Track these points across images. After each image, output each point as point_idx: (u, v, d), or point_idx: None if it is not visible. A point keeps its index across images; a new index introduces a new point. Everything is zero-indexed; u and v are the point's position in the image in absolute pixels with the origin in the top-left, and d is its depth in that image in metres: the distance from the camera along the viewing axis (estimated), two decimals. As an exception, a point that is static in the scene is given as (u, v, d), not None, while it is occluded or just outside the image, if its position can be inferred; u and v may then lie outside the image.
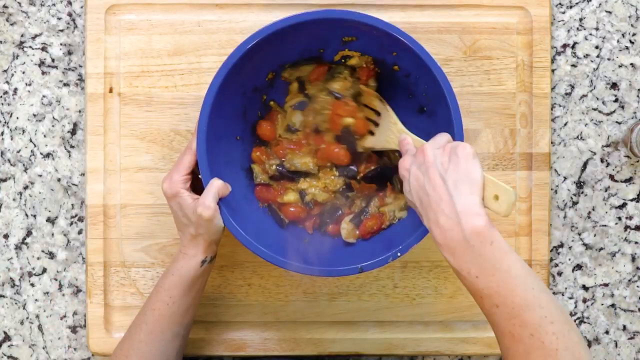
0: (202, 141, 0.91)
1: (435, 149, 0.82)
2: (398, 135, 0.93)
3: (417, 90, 0.97)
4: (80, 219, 1.06)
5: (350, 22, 0.91)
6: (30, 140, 1.06)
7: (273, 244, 0.94)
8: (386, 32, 0.91)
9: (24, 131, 1.05)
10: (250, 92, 0.98)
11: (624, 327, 1.08)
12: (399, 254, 0.91)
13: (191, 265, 0.92)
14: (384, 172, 1.00)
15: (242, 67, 0.92)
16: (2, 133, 1.05)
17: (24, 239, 1.06)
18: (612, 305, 1.07)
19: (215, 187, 0.90)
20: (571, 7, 1.07)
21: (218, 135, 0.93)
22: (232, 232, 0.91)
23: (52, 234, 1.06)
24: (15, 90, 1.05)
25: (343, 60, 0.99)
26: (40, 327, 1.06)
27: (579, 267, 1.07)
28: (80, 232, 1.06)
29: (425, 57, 0.91)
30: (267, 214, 1.01)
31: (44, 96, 1.05)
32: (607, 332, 1.08)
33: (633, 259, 1.08)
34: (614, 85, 1.07)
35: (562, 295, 1.07)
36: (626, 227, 1.08)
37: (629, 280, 1.07)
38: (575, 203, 1.07)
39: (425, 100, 0.97)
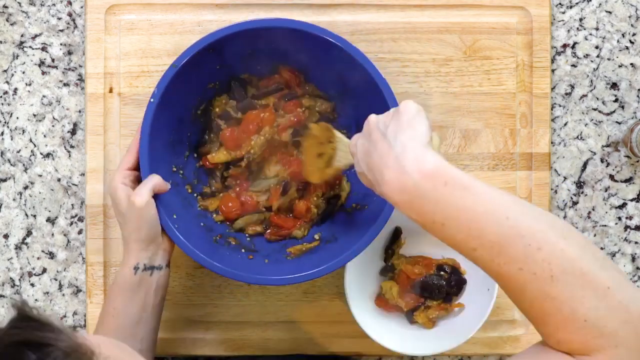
0: (144, 143, 0.91)
1: (379, 116, 0.76)
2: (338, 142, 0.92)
3: (349, 84, 0.97)
4: (80, 219, 1.06)
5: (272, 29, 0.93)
6: (30, 140, 1.05)
7: (209, 249, 0.94)
8: (302, 32, 0.92)
9: (24, 131, 1.05)
10: (190, 108, 0.99)
11: (624, 327, 1.08)
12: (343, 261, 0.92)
13: (125, 272, 0.89)
14: None
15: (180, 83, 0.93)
16: (2, 133, 1.05)
17: (24, 239, 1.06)
18: (612, 305, 1.07)
19: (152, 180, 0.89)
20: (571, 7, 1.07)
21: (162, 139, 0.94)
22: (166, 229, 0.91)
23: (52, 234, 1.06)
24: (15, 90, 1.05)
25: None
26: (40, 327, 1.06)
27: (579, 267, 1.07)
28: (80, 232, 1.06)
29: (347, 47, 0.92)
30: (205, 219, 1.01)
31: (44, 96, 1.05)
32: (607, 332, 1.07)
33: (633, 259, 1.08)
34: (614, 85, 1.07)
35: (562, 295, 1.07)
36: (626, 227, 1.08)
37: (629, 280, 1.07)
38: (575, 203, 1.07)
39: (355, 89, 0.97)
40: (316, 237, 1.00)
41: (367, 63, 0.92)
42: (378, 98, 0.92)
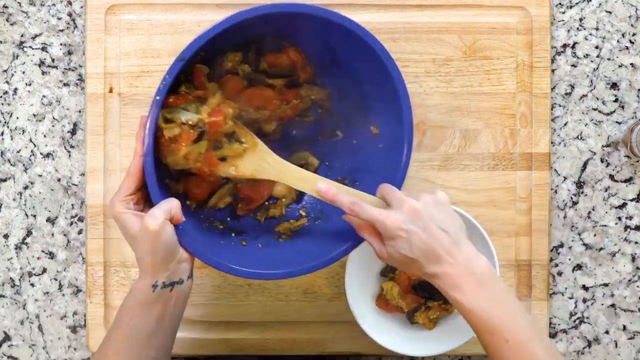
0: (148, 164, 0.84)
1: (421, 202, 0.84)
2: (273, 165, 0.91)
3: (361, 77, 0.94)
4: (80, 219, 1.06)
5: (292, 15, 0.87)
6: (30, 140, 1.06)
7: (208, 242, 0.91)
8: (322, 18, 0.87)
9: (24, 131, 1.05)
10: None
11: (624, 327, 1.08)
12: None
13: (141, 288, 0.84)
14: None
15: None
16: (2, 133, 1.05)
17: (24, 239, 1.06)
18: (612, 305, 1.08)
19: (168, 202, 0.83)
20: (571, 7, 1.07)
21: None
22: (186, 247, 0.86)
23: (52, 234, 1.06)
24: (15, 90, 1.05)
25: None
26: (40, 327, 1.06)
27: (579, 267, 1.07)
28: (80, 232, 1.06)
29: (367, 37, 0.88)
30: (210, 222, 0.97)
31: (44, 96, 1.05)
32: (607, 332, 1.08)
33: (633, 259, 1.08)
34: (614, 85, 1.07)
35: (562, 295, 1.07)
36: (626, 227, 1.08)
37: (629, 280, 1.07)
38: (575, 203, 1.07)
39: (370, 88, 0.94)
40: (302, 213, 0.99)
41: (379, 47, 0.88)
42: (387, 81, 0.90)
